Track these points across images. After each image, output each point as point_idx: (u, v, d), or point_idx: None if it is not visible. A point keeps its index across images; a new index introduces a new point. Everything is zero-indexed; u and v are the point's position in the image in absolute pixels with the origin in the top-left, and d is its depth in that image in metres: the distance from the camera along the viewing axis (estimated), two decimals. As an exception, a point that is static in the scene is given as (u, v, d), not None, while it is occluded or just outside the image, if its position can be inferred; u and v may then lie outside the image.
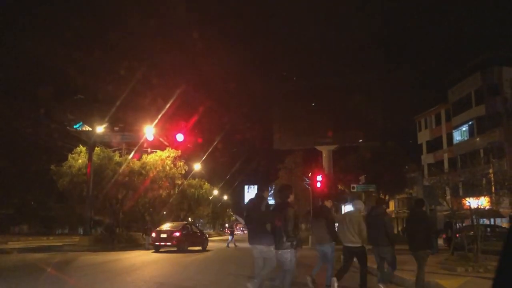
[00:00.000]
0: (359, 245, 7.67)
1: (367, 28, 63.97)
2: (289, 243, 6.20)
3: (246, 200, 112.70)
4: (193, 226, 25.45)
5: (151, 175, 28.03)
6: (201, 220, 74.30)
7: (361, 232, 7.60)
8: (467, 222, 17.06)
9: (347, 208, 54.11)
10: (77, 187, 25.76)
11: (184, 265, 13.86)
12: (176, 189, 33.25)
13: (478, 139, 37.07)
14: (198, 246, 22.93)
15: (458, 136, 41.02)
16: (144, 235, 25.35)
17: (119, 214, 30.09)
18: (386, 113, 42.95)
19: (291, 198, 6.62)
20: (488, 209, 18.65)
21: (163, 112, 22.85)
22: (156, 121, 22.42)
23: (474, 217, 13.04)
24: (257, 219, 6.43)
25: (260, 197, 6.66)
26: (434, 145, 46.77)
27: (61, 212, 41.83)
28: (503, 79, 35.92)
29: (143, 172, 27.79)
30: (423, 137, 48.97)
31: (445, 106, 44.42)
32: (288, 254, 6.28)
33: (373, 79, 41.93)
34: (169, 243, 20.55)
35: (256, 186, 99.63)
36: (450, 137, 42.90)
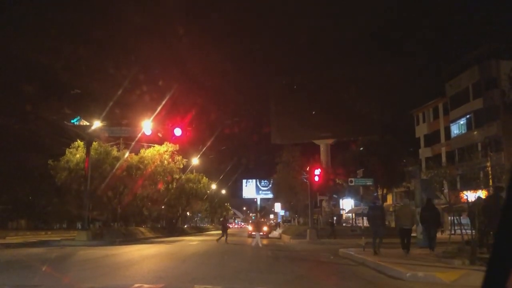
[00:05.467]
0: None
1: (364, 22, 63.86)
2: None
3: (244, 194, 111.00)
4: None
5: (149, 169, 27.98)
6: (199, 214, 74.13)
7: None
8: (464, 216, 17.11)
9: (345, 202, 54.36)
10: (75, 182, 25.70)
11: (182, 259, 13.88)
12: (174, 184, 33.24)
13: (475, 132, 37.08)
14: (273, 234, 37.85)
15: (455, 129, 41.04)
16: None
17: (117, 208, 30.08)
18: (383, 107, 42.87)
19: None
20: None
21: (161, 106, 22.75)
22: (154, 115, 22.31)
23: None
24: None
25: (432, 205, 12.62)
26: (432, 139, 46.82)
27: (59, 207, 41.73)
28: (501, 73, 35.87)
29: (141, 166, 27.74)
30: (421, 131, 48.99)
31: (443, 100, 44.41)
32: None
33: (370, 73, 41.90)
34: (262, 233, 31.85)
35: (254, 180, 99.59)
36: (448, 130, 42.92)
